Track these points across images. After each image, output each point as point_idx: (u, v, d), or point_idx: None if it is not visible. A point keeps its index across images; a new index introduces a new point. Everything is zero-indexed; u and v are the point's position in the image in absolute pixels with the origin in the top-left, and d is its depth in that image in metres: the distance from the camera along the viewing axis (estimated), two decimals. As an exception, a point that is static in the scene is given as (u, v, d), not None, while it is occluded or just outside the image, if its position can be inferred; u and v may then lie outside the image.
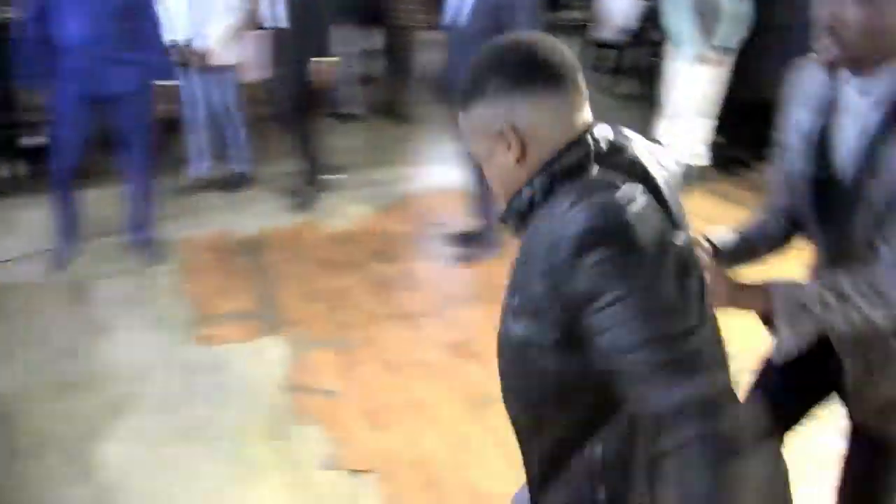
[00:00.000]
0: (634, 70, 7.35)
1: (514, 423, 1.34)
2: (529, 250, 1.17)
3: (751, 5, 4.98)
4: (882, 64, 1.42)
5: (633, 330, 1.03)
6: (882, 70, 1.43)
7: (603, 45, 8.01)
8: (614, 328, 1.04)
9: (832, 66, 1.48)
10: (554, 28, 9.12)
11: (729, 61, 5.09)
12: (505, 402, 1.33)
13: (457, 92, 1.27)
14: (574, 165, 1.17)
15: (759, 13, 4.98)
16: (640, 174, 1.19)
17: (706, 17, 4.94)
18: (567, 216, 1.08)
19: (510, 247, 4.32)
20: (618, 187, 1.10)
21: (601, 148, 1.20)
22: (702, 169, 5.48)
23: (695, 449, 0.99)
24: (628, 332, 1.03)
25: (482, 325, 3.71)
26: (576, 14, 9.19)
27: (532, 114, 1.18)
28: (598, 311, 1.05)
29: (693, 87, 5.11)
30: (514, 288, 1.22)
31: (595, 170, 1.17)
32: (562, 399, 1.21)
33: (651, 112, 5.46)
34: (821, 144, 1.56)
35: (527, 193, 1.20)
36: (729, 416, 1.01)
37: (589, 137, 1.20)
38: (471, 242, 4.35)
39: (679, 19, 4.93)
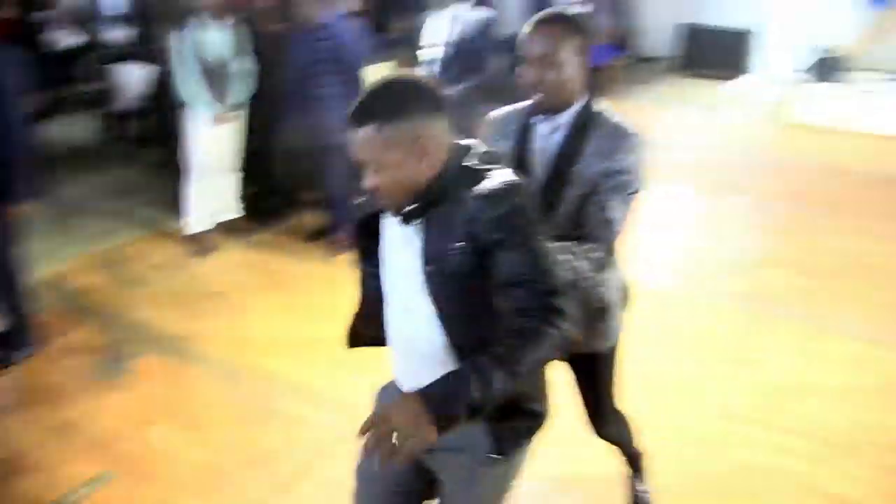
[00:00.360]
0: (158, 137, 7.26)
1: (457, 344, 1.73)
2: (446, 226, 1.65)
3: (253, 63, 5.24)
4: (567, 105, 2.19)
5: (526, 265, 1.60)
6: (568, 110, 2.19)
7: (123, 115, 7.82)
8: (516, 264, 1.60)
9: (538, 111, 2.22)
10: (66, 103, 8.69)
11: (242, 116, 5.30)
12: (448, 331, 1.72)
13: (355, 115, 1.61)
14: (462, 164, 1.69)
15: (262, 71, 5.27)
16: (499, 162, 1.73)
17: (216, 78, 5.08)
18: (479, 197, 1.62)
19: (49, 343, 4.07)
20: (506, 174, 1.67)
21: (471, 148, 1.73)
22: (237, 221, 5.61)
23: (548, 331, 1.56)
24: (521, 266, 1.60)
25: (31, 431, 3.41)
26: (90, 87, 8.83)
27: (438, 130, 1.66)
28: (505, 253, 1.60)
29: (215, 145, 5.22)
30: (431, 256, 1.68)
31: (476, 163, 1.69)
32: (483, 308, 1.68)
33: (179, 176, 5.46)
34: (520, 164, 2.21)
35: (434, 188, 1.66)
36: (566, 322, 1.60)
37: (459, 144, 1.73)
38: (1, 345, 3.95)
39: (191, 83, 5.00)
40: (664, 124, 8.82)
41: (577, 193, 2.16)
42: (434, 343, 1.74)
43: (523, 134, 2.27)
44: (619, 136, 2.16)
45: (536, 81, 2.16)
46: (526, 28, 2.18)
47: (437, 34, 5.06)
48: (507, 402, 1.64)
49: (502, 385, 1.50)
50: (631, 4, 9.97)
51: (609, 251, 2.22)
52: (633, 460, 2.88)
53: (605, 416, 2.65)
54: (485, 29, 5.03)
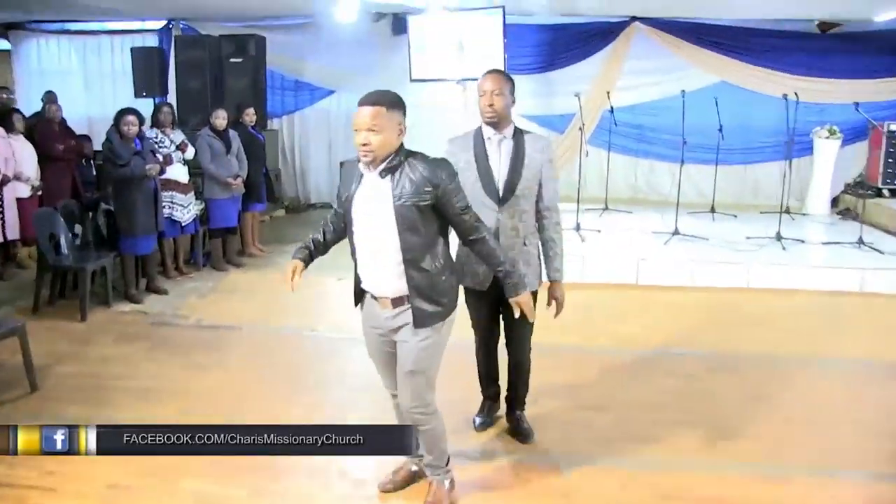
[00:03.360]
0: None
1: (406, 248, 3.04)
2: (411, 181, 2.96)
3: None
4: (507, 124, 3.64)
5: (462, 200, 3.09)
6: (507, 127, 3.65)
7: None
8: (458, 201, 3.06)
9: (493, 125, 3.62)
10: None
11: None
12: (402, 241, 3.01)
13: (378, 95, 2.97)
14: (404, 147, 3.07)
15: None
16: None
17: None
18: (430, 165, 3.00)
19: None
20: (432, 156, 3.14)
21: None
22: None
23: (489, 236, 3.20)
24: (462, 202, 3.08)
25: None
26: None
27: (404, 123, 3.03)
28: (453, 196, 3.03)
29: None
30: (401, 196, 2.96)
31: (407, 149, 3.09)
32: (422, 226, 3.03)
33: None
34: (487, 169, 3.65)
35: (398, 159, 2.99)
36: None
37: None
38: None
39: None
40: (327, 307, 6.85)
41: (529, 176, 3.64)
42: (392, 251, 3.03)
43: (484, 149, 3.68)
44: (543, 139, 3.82)
45: (490, 104, 3.57)
46: (482, 76, 3.66)
47: None
48: (426, 298, 3.11)
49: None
50: (259, 151, 8.41)
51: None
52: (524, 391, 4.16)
53: (526, 345, 3.97)
54: None
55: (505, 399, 4.24)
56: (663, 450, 4.05)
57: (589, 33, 10.43)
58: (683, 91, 8.85)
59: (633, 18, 10.24)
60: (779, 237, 8.16)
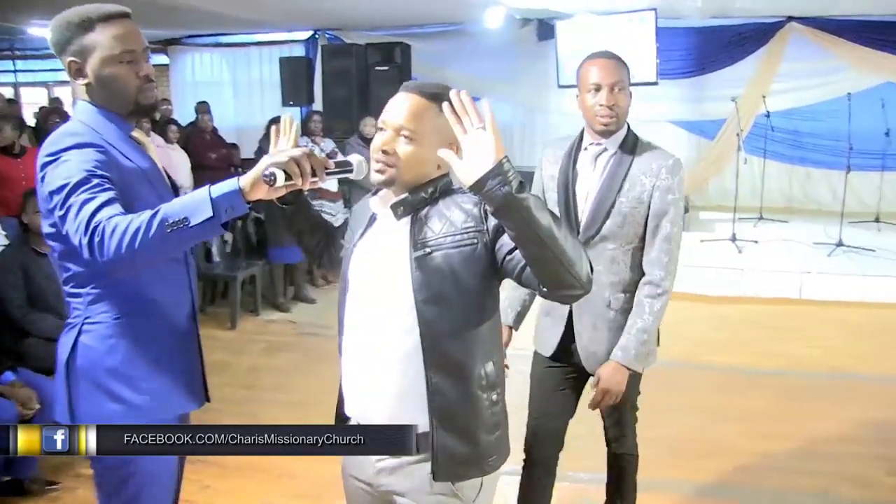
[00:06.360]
0: None
1: (428, 350, 1.77)
2: (443, 217, 1.78)
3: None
4: (617, 131, 2.49)
5: None
6: (615, 135, 2.49)
7: None
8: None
9: (603, 133, 2.48)
10: None
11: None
12: (426, 335, 1.76)
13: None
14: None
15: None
16: None
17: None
18: (472, 200, 1.78)
19: None
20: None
21: None
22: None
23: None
24: None
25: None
26: None
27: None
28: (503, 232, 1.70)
29: None
30: (426, 242, 1.77)
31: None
32: (470, 307, 1.80)
33: None
34: (569, 192, 2.54)
35: (427, 193, 1.81)
36: None
37: None
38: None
39: None
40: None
41: (627, 207, 2.45)
42: (402, 342, 1.78)
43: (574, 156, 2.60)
44: (664, 156, 2.48)
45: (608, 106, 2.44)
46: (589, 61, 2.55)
47: None
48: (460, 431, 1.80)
49: None
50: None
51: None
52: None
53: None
54: None
55: None
56: (875, 492, 3.63)
57: (742, 35, 9.89)
58: (849, 94, 8.24)
59: (790, 18, 9.64)
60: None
